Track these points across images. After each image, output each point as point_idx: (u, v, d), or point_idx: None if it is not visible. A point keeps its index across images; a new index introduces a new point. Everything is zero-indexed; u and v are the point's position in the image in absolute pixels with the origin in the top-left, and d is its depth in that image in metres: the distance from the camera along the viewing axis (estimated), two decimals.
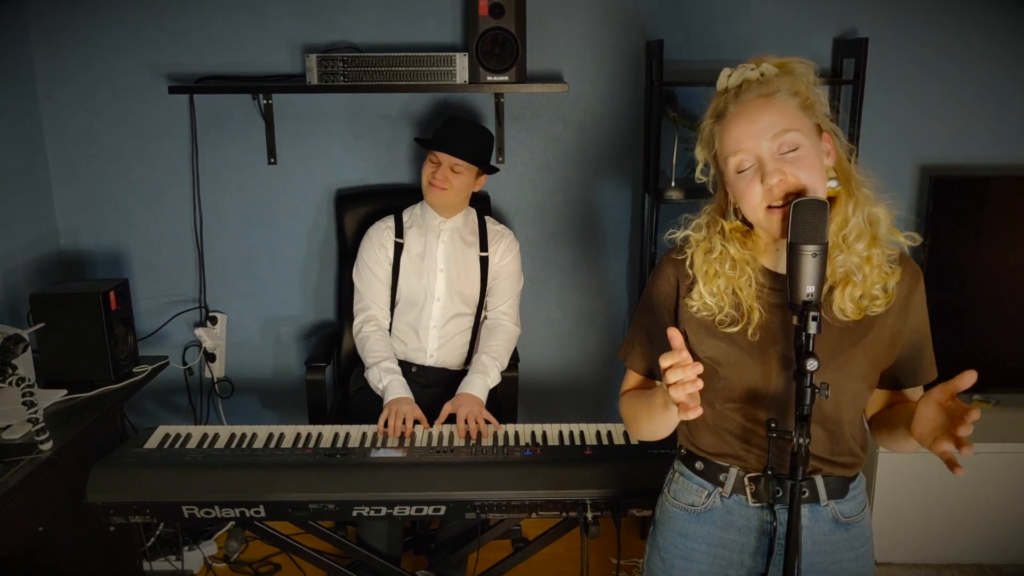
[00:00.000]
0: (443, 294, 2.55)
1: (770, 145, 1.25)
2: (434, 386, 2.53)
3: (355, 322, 2.58)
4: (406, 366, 2.54)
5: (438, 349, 2.57)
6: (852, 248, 1.28)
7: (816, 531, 1.38)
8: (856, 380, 1.32)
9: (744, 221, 1.35)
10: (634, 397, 1.50)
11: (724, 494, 1.41)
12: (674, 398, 1.18)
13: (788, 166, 1.24)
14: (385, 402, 2.32)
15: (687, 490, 1.46)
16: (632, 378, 1.54)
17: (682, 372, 1.17)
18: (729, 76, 1.30)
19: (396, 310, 2.58)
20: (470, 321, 2.60)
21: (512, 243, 2.64)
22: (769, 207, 1.26)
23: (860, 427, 1.38)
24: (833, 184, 1.30)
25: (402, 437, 2.17)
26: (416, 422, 2.24)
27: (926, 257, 2.74)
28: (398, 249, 2.55)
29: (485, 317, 2.63)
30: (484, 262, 2.59)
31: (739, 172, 1.28)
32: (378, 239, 2.56)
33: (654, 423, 1.41)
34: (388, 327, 2.58)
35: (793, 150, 1.24)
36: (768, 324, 1.34)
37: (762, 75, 1.28)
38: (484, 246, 2.60)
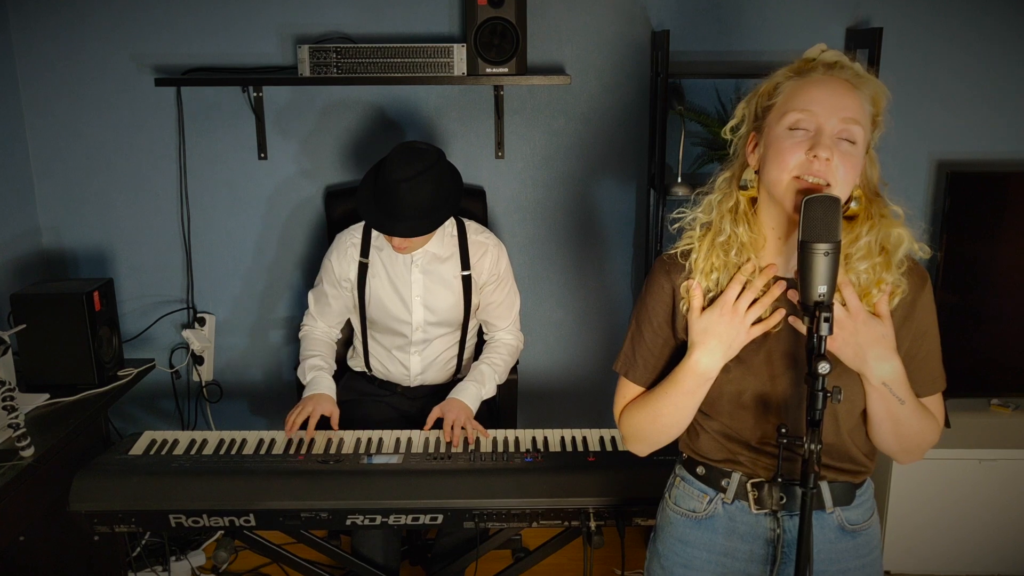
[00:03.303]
0: (421, 321, 2.40)
1: (835, 125, 1.24)
2: (423, 398, 2.45)
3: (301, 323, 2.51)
4: (391, 387, 2.46)
5: (422, 372, 2.47)
6: (853, 267, 1.28)
7: (821, 539, 1.36)
8: (853, 384, 1.31)
9: (754, 205, 1.35)
10: (644, 397, 1.44)
11: (726, 500, 1.40)
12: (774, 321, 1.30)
13: (838, 155, 1.23)
14: (304, 395, 2.27)
15: (688, 495, 1.44)
16: (631, 391, 1.47)
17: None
18: (824, 51, 1.30)
19: (369, 335, 2.46)
20: (455, 338, 2.47)
21: (499, 256, 2.39)
22: (796, 177, 1.24)
23: (862, 433, 1.37)
24: (853, 204, 1.31)
25: (398, 442, 2.13)
26: (329, 420, 2.21)
27: (942, 256, 2.70)
28: (363, 269, 2.37)
29: (481, 332, 2.55)
30: (467, 282, 2.37)
31: (791, 129, 1.26)
32: (341, 258, 2.37)
33: (682, 406, 1.36)
34: (334, 338, 2.50)
35: (850, 142, 1.25)
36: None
37: (854, 65, 1.29)
38: (466, 263, 2.36)
